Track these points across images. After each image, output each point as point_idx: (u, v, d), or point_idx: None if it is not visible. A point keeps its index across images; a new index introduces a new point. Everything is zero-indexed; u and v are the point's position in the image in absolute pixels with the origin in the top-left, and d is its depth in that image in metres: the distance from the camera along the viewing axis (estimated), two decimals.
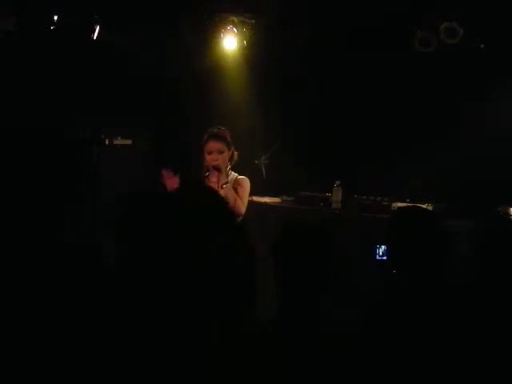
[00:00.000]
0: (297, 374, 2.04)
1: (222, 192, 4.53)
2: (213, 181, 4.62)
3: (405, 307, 2.38)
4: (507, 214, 5.12)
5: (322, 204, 5.91)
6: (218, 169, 4.55)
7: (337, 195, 5.80)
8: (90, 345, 2.36)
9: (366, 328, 2.29)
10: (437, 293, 2.47)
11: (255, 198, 5.86)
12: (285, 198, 6.18)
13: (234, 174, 4.66)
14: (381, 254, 4.35)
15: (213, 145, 4.56)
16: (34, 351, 2.38)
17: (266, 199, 6.04)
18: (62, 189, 5.58)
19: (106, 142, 5.92)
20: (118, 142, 6.00)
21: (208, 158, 4.58)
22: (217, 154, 4.55)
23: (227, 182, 4.56)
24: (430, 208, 5.44)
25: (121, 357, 2.35)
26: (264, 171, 6.25)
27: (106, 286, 2.51)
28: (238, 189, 4.59)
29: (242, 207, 4.57)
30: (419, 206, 3.16)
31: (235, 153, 4.65)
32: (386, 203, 5.60)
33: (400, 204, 5.56)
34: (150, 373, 2.34)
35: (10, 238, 2.60)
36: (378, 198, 5.69)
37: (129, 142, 6.09)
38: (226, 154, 4.59)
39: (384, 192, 5.72)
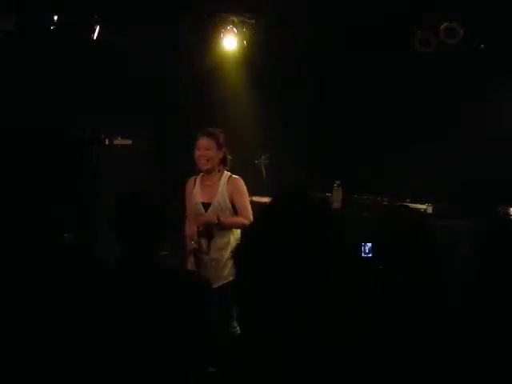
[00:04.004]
0: (297, 374, 2.04)
1: (212, 191, 4.53)
2: (207, 184, 4.62)
3: (400, 306, 2.38)
4: (507, 213, 5.12)
5: None
6: (207, 171, 4.53)
7: (337, 195, 5.80)
8: (89, 344, 2.36)
9: (365, 327, 2.29)
10: (432, 292, 2.47)
11: (255, 198, 5.86)
12: None
13: (226, 174, 4.63)
14: (367, 251, 4.31)
15: (201, 141, 4.56)
16: (32, 349, 2.38)
17: (266, 199, 6.04)
18: (62, 189, 5.58)
19: (106, 142, 5.92)
20: (118, 142, 6.00)
21: (196, 153, 4.57)
22: (204, 150, 4.53)
23: (219, 219, 4.46)
24: (430, 208, 5.46)
25: (120, 356, 2.35)
26: (264, 171, 6.25)
27: (106, 285, 2.51)
28: (233, 196, 4.55)
29: (246, 219, 4.46)
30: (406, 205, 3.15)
31: (228, 156, 4.63)
32: (386, 203, 5.60)
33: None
34: (149, 372, 2.34)
35: (9, 237, 2.60)
36: (378, 198, 5.69)
37: (129, 142, 6.09)
38: (214, 153, 4.55)
39: (384, 192, 5.73)
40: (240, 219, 4.51)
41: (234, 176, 4.63)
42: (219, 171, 4.61)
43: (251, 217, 4.55)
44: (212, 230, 4.55)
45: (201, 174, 4.68)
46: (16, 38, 5.51)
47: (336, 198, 5.80)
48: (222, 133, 4.63)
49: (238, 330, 4.52)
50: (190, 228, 4.73)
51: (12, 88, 5.56)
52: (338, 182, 5.80)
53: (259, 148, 6.28)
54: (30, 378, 2.35)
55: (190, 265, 4.62)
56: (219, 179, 4.57)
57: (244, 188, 4.63)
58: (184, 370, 2.41)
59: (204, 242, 4.58)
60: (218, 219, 4.47)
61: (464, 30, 5.49)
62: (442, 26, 5.54)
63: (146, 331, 2.37)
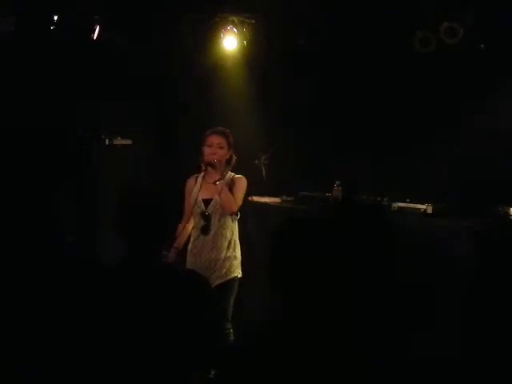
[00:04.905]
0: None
1: (214, 188, 4.52)
2: (209, 181, 4.61)
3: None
4: (507, 213, 5.12)
5: (321, 204, 5.91)
6: (212, 165, 4.51)
7: (337, 195, 5.80)
8: (90, 344, 2.36)
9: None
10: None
11: (255, 198, 5.86)
12: (285, 197, 6.18)
13: (230, 174, 4.64)
14: None
15: (214, 138, 4.54)
16: (33, 349, 2.38)
17: (266, 199, 6.04)
18: (62, 189, 5.58)
19: (106, 142, 5.92)
20: (118, 141, 6.01)
21: (207, 150, 4.53)
22: (216, 147, 4.52)
23: (221, 179, 4.51)
24: (430, 208, 5.46)
25: (121, 357, 2.35)
26: (264, 171, 6.25)
27: (106, 285, 2.51)
28: (232, 187, 4.56)
29: (234, 205, 4.53)
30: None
31: (234, 157, 4.63)
32: (386, 203, 5.60)
33: (400, 204, 5.57)
34: (150, 373, 2.34)
35: (8, 238, 2.60)
36: (378, 198, 5.69)
37: (129, 142, 6.10)
38: (225, 152, 4.55)
39: (384, 192, 5.73)
40: (229, 199, 4.50)
41: (237, 175, 4.63)
42: (223, 171, 4.59)
43: (235, 209, 4.55)
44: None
45: (203, 173, 4.65)
46: (16, 37, 5.51)
47: (336, 198, 5.79)
48: (231, 133, 4.62)
49: (231, 332, 4.51)
50: (182, 232, 4.69)
51: (12, 88, 5.56)
52: (337, 182, 5.79)
53: (259, 148, 6.28)
54: (32, 379, 2.35)
55: (188, 264, 4.61)
56: (219, 177, 4.54)
57: (244, 185, 4.63)
58: (185, 370, 2.41)
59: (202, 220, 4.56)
60: (220, 178, 4.48)
61: (464, 29, 5.49)
62: (442, 26, 5.54)
63: (147, 331, 2.37)
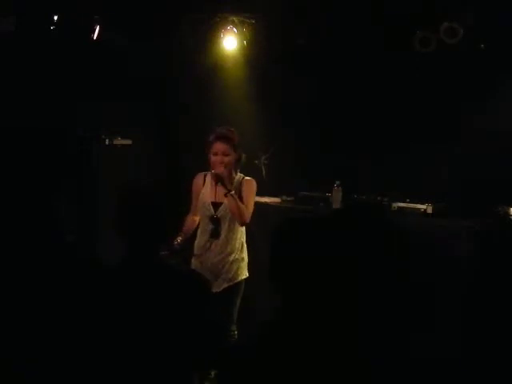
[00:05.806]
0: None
1: (225, 201, 4.45)
2: (218, 184, 4.53)
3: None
4: (507, 213, 5.12)
5: (321, 204, 5.91)
6: (221, 180, 4.41)
7: (337, 195, 5.80)
8: (91, 344, 2.36)
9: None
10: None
11: (255, 198, 5.86)
12: (285, 197, 6.18)
13: (240, 175, 4.56)
14: None
15: (219, 146, 4.43)
16: (32, 349, 2.38)
17: (266, 199, 6.04)
18: (62, 189, 5.57)
19: (106, 142, 5.92)
20: (118, 141, 6.01)
21: (213, 159, 4.44)
22: (222, 155, 4.43)
23: (231, 190, 4.43)
24: (430, 208, 5.46)
25: (121, 356, 2.35)
26: (264, 171, 6.25)
27: (106, 285, 2.51)
28: (242, 194, 4.49)
29: (247, 215, 4.46)
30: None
31: (243, 155, 4.53)
32: (386, 203, 5.60)
33: (400, 204, 5.57)
34: (150, 372, 2.34)
35: (8, 238, 2.60)
36: (378, 198, 5.69)
37: (129, 142, 6.10)
38: (232, 157, 4.45)
39: (384, 192, 5.73)
40: (242, 210, 4.43)
41: (247, 178, 4.57)
42: (233, 177, 4.51)
43: (248, 218, 4.50)
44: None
45: (210, 172, 4.58)
46: (16, 37, 5.51)
47: (336, 198, 5.80)
48: (236, 133, 4.52)
49: (236, 334, 4.49)
50: (191, 219, 4.63)
51: (12, 88, 5.56)
52: (337, 182, 5.79)
53: (259, 148, 6.28)
54: (32, 379, 2.35)
55: (194, 266, 4.56)
56: (230, 186, 4.45)
57: (254, 189, 4.56)
58: (185, 370, 2.41)
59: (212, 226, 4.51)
60: (230, 190, 4.39)
61: (464, 29, 5.49)
62: (442, 26, 5.54)
63: (147, 331, 2.37)
